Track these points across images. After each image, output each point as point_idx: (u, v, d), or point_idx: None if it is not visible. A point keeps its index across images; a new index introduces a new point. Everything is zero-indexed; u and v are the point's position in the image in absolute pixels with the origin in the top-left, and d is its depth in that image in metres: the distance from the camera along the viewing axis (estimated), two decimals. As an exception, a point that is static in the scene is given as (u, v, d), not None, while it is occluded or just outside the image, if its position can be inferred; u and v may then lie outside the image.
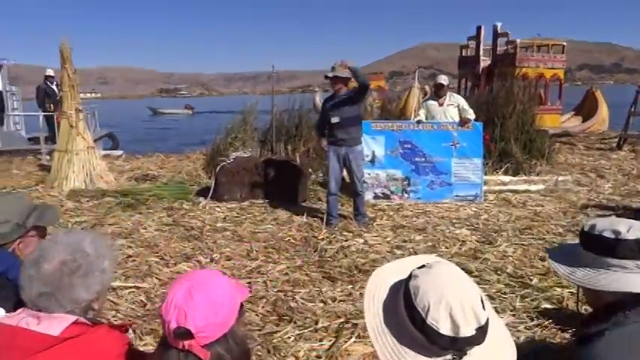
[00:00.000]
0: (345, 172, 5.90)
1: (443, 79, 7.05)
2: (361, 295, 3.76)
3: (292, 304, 3.65)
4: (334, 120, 5.45)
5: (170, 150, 13.50)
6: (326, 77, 5.47)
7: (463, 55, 15.91)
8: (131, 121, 40.36)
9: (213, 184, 6.73)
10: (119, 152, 13.73)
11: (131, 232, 5.46)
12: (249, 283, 4.01)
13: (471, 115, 6.86)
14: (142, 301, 3.70)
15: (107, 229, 5.61)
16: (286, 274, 4.27)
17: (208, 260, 4.59)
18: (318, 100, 11.28)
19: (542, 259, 4.52)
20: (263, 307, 3.61)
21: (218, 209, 6.38)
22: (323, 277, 4.21)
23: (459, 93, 15.67)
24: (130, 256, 4.69)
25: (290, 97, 9.21)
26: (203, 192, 6.99)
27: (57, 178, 7.52)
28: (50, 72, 12.09)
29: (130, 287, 3.94)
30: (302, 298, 3.76)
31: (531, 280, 4.07)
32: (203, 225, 5.70)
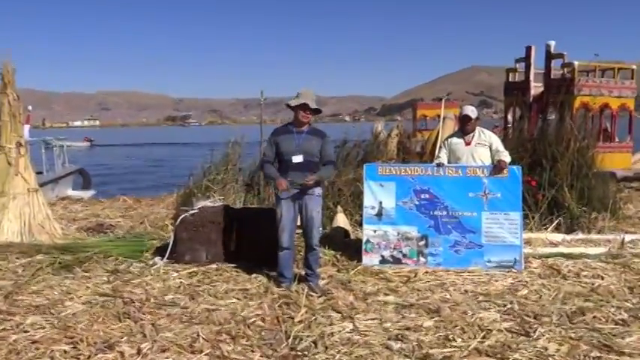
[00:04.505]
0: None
1: (470, 111, 6.39)
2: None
3: None
4: (296, 160, 5.12)
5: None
6: (290, 106, 5.22)
7: (510, 80, 15.29)
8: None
9: (171, 241, 6.17)
10: (91, 192, 13.39)
11: (53, 305, 4.90)
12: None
13: (506, 157, 6.20)
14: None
15: (24, 299, 5.06)
16: (233, 377, 3.61)
17: (135, 352, 3.96)
18: (381, 127, 10.79)
19: (597, 364, 3.76)
20: None
21: (175, 274, 5.79)
22: (283, 384, 3.53)
23: (505, 125, 15.10)
24: (34, 342, 4.10)
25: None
26: (163, 249, 6.43)
27: (-12, 227, 7.08)
28: None
29: (11, 394, 3.33)
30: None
31: (578, 399, 3.32)
32: (147, 297, 5.10)
